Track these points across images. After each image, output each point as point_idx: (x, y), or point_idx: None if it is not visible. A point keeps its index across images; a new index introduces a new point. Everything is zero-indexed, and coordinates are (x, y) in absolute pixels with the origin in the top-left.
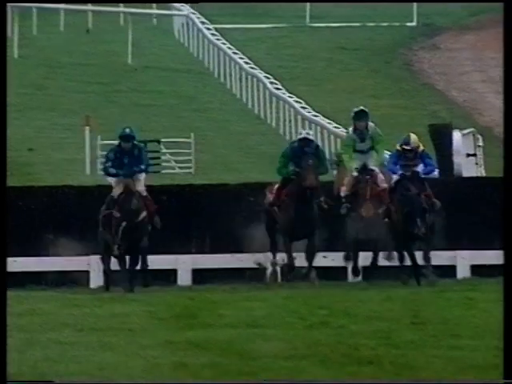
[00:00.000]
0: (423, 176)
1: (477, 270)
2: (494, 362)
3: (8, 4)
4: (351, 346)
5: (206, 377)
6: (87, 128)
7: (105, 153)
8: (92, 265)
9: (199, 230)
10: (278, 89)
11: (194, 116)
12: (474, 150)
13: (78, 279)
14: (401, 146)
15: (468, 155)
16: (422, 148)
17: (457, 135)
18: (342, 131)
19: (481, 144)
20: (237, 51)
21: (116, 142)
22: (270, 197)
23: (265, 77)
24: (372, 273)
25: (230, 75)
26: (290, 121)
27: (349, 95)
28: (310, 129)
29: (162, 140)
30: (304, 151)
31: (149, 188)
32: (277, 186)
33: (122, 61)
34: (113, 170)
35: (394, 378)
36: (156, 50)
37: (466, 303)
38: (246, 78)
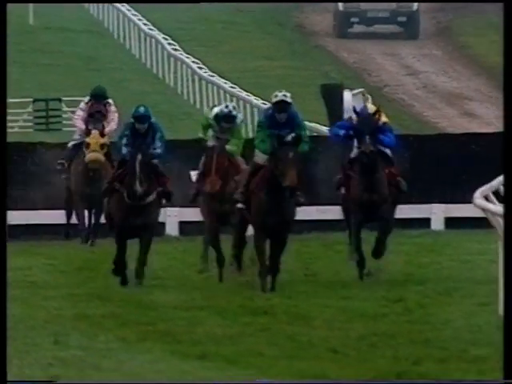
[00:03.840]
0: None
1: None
2: (381, 312)
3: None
4: (246, 297)
5: (107, 327)
6: None
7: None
8: None
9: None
10: (175, 50)
11: (94, 76)
12: None
13: None
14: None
15: None
16: (383, 120)
17: (347, 95)
18: (237, 91)
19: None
20: (136, 13)
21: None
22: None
23: (163, 38)
24: None
25: (130, 36)
26: (187, 80)
27: (244, 56)
28: (207, 89)
29: (64, 98)
30: (278, 122)
31: (52, 145)
32: (248, 171)
33: (24, 21)
34: (124, 150)
35: (287, 327)
36: (57, 11)
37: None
38: (145, 39)
